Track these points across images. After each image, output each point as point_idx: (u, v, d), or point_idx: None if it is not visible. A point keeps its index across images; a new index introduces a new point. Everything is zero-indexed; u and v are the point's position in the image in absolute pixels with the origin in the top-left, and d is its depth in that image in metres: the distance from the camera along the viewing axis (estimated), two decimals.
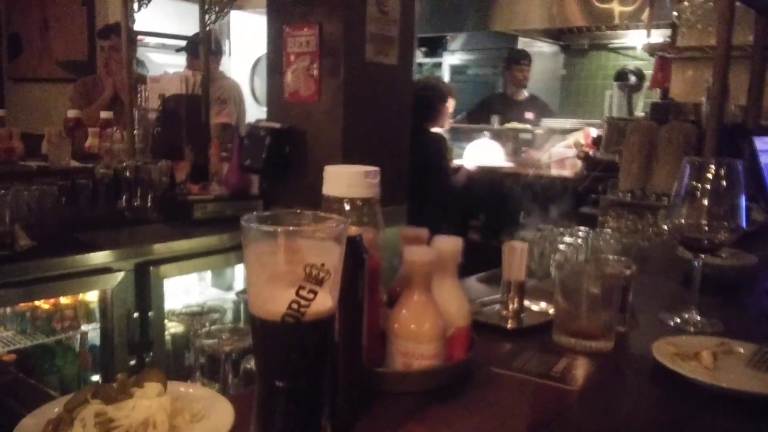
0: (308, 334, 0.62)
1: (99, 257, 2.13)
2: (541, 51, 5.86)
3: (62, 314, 2.37)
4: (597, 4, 4.70)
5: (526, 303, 1.10)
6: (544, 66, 5.82)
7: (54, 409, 0.69)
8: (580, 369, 0.92)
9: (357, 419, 0.74)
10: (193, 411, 0.70)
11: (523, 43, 5.69)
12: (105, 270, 2.11)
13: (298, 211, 0.67)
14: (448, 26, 5.68)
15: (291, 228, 0.63)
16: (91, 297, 2.37)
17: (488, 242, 3.68)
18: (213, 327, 1.04)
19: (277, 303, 0.61)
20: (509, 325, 1.06)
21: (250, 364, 1.14)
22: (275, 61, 2.71)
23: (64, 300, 2.37)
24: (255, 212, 0.63)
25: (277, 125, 2.70)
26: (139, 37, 4.35)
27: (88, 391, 0.69)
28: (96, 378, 2.44)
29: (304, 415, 0.64)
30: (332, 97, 2.59)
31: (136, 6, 2.98)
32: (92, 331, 2.42)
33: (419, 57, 5.93)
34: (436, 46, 6.38)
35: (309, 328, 0.62)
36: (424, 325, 0.81)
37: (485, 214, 4.12)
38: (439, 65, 6.42)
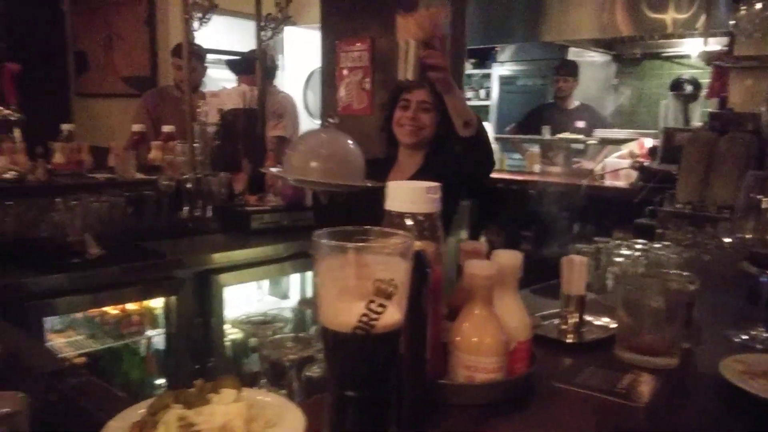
0: (377, 345, 0.65)
1: (163, 266, 2.22)
2: (593, 60, 5.78)
3: (129, 320, 2.48)
4: (649, 13, 4.60)
5: (586, 317, 1.10)
6: (596, 75, 5.74)
7: (137, 412, 0.74)
8: (645, 385, 0.92)
9: (422, 430, 0.76)
10: (266, 417, 0.73)
11: (573, 53, 5.62)
12: (169, 278, 2.20)
13: (366, 227, 0.70)
14: (498, 38, 5.66)
15: (360, 244, 0.66)
16: (156, 304, 2.47)
17: (540, 254, 3.64)
18: (276, 336, 1.08)
19: (347, 315, 0.64)
20: (569, 340, 1.06)
21: (312, 372, 1.18)
22: (328, 76, 2.78)
23: (130, 306, 2.48)
24: (325, 228, 0.66)
25: None
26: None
27: (169, 395, 0.73)
28: (160, 382, 2.53)
29: (374, 424, 0.66)
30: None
31: (196, 24, 3.10)
32: (157, 337, 2.52)
33: (468, 68, 5.92)
34: (484, 58, 6.37)
35: (378, 340, 0.64)
36: (486, 339, 0.82)
37: (537, 225, 4.08)
38: (488, 76, 6.41)
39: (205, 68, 3.82)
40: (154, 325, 2.54)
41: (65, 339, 2.53)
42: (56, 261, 2.27)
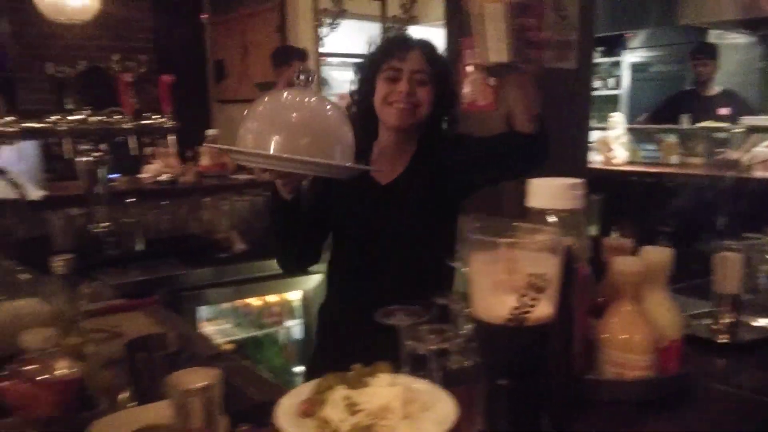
0: (529, 337, 0.67)
1: None
2: (735, 43, 5.33)
3: (270, 310, 2.67)
4: None
5: (740, 317, 1.05)
6: (739, 59, 5.29)
7: (304, 391, 0.81)
8: None
9: (572, 424, 0.77)
10: (421, 401, 0.78)
11: (713, 35, 5.22)
12: (306, 272, 2.34)
13: (515, 223, 0.72)
14: (629, 23, 5.39)
15: (512, 240, 0.68)
16: (294, 296, 2.63)
17: (681, 251, 3.43)
18: (416, 325, 1.12)
19: (500, 308, 0.67)
20: (722, 340, 1.01)
21: (450, 363, 1.21)
22: (451, 57, 2.79)
23: (270, 298, 2.66)
24: (477, 224, 0.69)
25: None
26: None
27: (333, 377, 0.80)
28: (297, 369, 2.70)
29: (526, 413, 0.69)
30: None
31: (326, 30, 3.24)
32: (294, 327, 2.68)
33: (596, 57, 5.69)
34: (613, 45, 6.08)
35: (530, 333, 0.67)
36: (635, 336, 0.81)
37: (675, 220, 3.85)
38: (617, 64, 6.11)
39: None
40: (292, 316, 2.71)
41: (215, 327, 2.77)
42: (206, 256, 2.49)
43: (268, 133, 1.22)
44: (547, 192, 0.85)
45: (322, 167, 1.22)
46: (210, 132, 3.30)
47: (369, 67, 1.57)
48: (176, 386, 0.68)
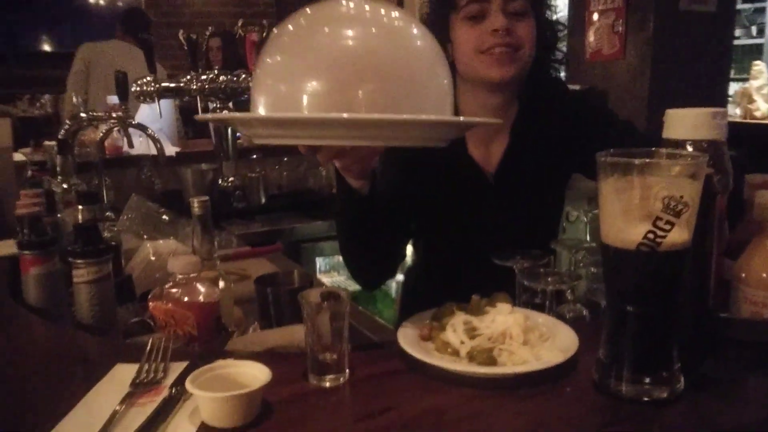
0: (662, 263, 0.64)
1: None
2: None
3: None
4: None
5: None
6: None
7: (423, 319, 0.83)
8: None
9: (703, 360, 0.73)
10: (540, 331, 0.77)
11: None
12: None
13: (652, 149, 0.68)
14: None
15: (648, 160, 0.65)
16: (408, 250, 2.66)
17: None
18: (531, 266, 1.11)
19: (631, 233, 0.64)
20: None
21: (566, 311, 1.19)
22: (576, 21, 2.67)
23: None
24: (611, 149, 0.66)
25: (576, 87, 2.67)
26: None
27: (452, 305, 0.81)
28: None
29: (654, 341, 0.66)
30: (638, 53, 2.46)
31: None
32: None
33: (738, 2, 5.18)
34: None
35: (663, 258, 0.64)
36: None
37: None
38: (761, 11, 5.52)
39: None
40: (404, 269, 2.75)
41: (329, 279, 2.87)
42: (323, 209, 2.58)
43: (308, 82, 0.73)
44: (687, 121, 0.80)
45: (415, 129, 0.75)
46: None
47: (438, 8, 1.17)
48: (309, 301, 0.72)
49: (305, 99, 0.72)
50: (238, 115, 0.91)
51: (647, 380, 0.67)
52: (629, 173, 0.64)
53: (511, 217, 1.21)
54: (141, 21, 4.00)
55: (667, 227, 0.63)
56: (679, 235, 0.63)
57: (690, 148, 0.80)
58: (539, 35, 1.15)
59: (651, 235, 0.63)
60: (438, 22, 1.14)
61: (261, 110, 0.77)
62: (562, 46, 1.31)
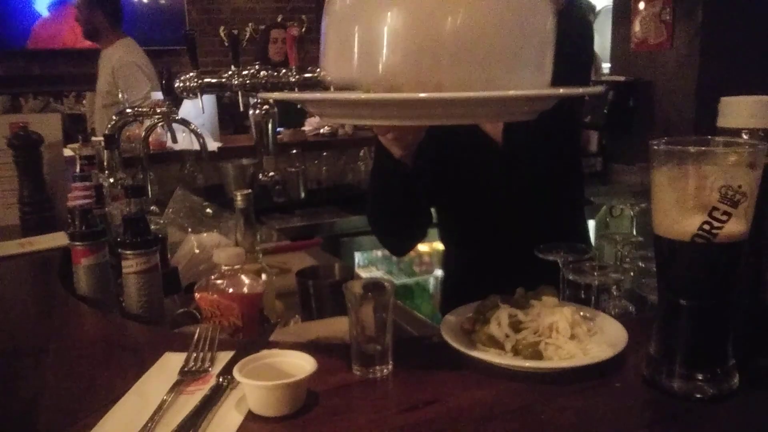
0: (718, 255, 0.62)
1: None
2: None
3: (421, 259, 2.72)
4: None
5: None
6: None
7: (467, 312, 0.82)
8: None
9: (759, 355, 0.71)
10: (588, 325, 0.76)
11: None
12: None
13: (708, 137, 0.66)
14: None
15: (704, 148, 0.63)
16: None
17: None
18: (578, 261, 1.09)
19: (686, 224, 0.62)
20: None
21: (610, 306, 1.17)
22: (621, 10, 2.60)
23: (422, 247, 2.71)
24: (665, 137, 0.64)
25: (620, 78, 2.60)
26: None
27: (496, 298, 0.80)
28: None
29: (708, 335, 0.64)
30: (687, 44, 2.38)
31: None
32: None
33: None
34: None
35: (719, 250, 0.62)
36: None
37: None
38: None
39: None
40: (444, 264, 2.75)
41: (367, 273, 2.89)
42: (362, 204, 2.58)
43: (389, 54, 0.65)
44: (742, 109, 0.77)
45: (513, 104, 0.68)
46: None
47: None
48: (353, 292, 0.72)
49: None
50: (311, 95, 0.88)
51: (700, 376, 0.65)
52: (684, 162, 0.62)
53: (527, 181, 1.19)
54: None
55: (724, 218, 0.60)
56: (736, 226, 0.61)
57: (746, 137, 0.77)
58: None
59: (707, 226, 0.61)
60: None
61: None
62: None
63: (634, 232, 1.40)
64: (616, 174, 2.72)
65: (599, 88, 0.68)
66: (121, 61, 3.40)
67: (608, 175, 2.76)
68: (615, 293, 1.20)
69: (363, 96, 0.69)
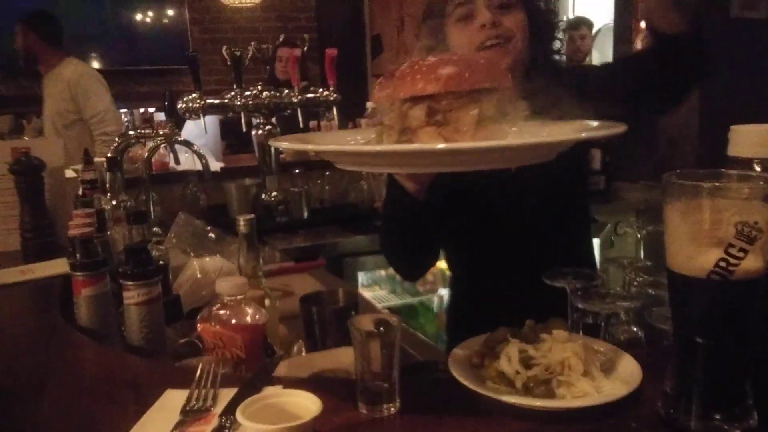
0: (735, 293, 0.60)
1: None
2: None
3: (424, 279, 2.70)
4: None
5: None
6: None
7: (474, 345, 0.81)
8: None
9: None
10: (600, 361, 0.74)
11: None
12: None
13: (721, 170, 0.65)
14: None
15: (718, 184, 0.61)
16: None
17: None
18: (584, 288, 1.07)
19: (701, 261, 0.61)
20: None
21: (618, 332, 1.15)
22: (622, 29, 2.61)
23: None
24: (678, 170, 0.63)
25: None
26: None
27: (506, 331, 0.78)
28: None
29: (726, 374, 0.62)
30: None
31: None
32: (448, 296, 2.70)
33: None
34: None
35: (736, 288, 0.60)
36: None
37: None
38: None
39: None
40: (446, 284, 2.73)
41: (371, 293, 2.87)
42: (365, 223, 2.57)
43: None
44: (752, 138, 0.76)
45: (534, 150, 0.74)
46: (370, 105, 3.39)
47: (430, 18, 1.21)
48: (359, 328, 0.70)
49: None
50: (325, 147, 0.86)
51: (718, 416, 0.63)
52: (698, 196, 0.60)
53: (536, 207, 1.23)
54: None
55: (741, 255, 0.59)
56: (753, 263, 0.59)
57: (758, 168, 0.76)
58: (532, 25, 1.17)
59: (723, 263, 0.59)
60: (434, 32, 1.19)
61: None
62: (558, 34, 1.32)
63: (641, 256, 1.39)
64: (619, 191, 2.71)
65: (622, 127, 0.67)
66: (77, 74, 3.32)
67: (612, 193, 2.74)
68: (624, 318, 1.18)
69: (378, 148, 0.73)
